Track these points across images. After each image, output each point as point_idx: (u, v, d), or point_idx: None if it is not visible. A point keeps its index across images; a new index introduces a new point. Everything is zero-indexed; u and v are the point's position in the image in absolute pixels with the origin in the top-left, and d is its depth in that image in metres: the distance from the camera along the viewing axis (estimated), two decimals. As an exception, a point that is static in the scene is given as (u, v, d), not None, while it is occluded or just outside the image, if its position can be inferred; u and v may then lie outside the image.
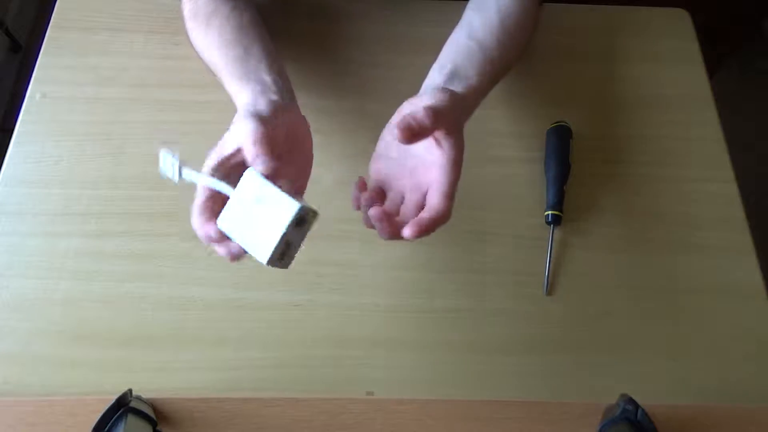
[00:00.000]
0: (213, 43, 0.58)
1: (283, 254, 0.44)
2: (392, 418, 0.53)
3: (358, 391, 0.55)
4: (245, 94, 0.52)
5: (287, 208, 0.43)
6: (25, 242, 0.60)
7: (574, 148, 0.67)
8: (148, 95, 0.69)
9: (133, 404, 0.48)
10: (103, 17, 0.74)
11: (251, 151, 0.45)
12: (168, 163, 0.48)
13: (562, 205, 0.63)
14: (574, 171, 0.65)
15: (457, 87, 0.53)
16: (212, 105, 0.68)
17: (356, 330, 0.58)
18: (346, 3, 0.76)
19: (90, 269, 0.59)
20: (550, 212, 0.63)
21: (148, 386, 0.52)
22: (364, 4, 0.76)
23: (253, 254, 0.44)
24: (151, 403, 0.51)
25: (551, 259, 0.61)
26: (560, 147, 0.66)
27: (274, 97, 0.51)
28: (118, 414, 0.47)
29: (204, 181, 0.46)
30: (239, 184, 0.45)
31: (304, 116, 0.54)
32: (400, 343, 0.58)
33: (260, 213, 0.44)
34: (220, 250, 0.47)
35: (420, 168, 0.50)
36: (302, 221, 0.43)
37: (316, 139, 0.67)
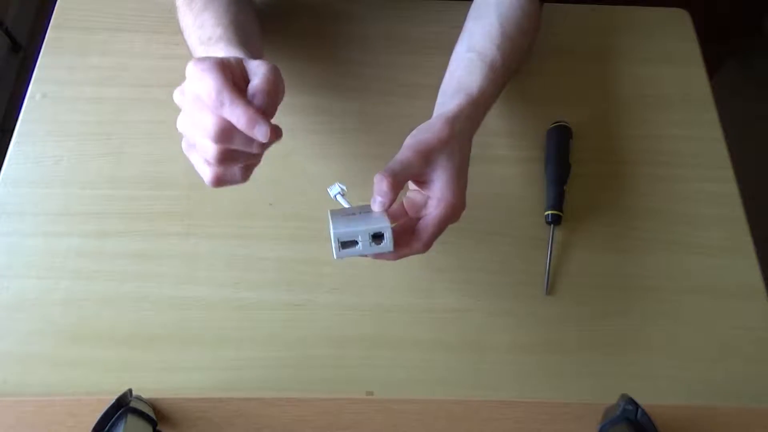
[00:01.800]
0: (206, 25, 0.55)
1: (347, 247, 0.47)
2: (392, 418, 0.53)
3: (358, 391, 0.55)
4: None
5: (379, 222, 0.46)
6: (25, 242, 0.60)
7: (574, 148, 0.67)
8: (148, 95, 0.69)
9: (133, 404, 0.48)
10: (103, 17, 0.74)
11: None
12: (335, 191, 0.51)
13: (562, 205, 0.63)
14: (574, 171, 0.65)
15: (458, 102, 0.53)
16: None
17: (356, 330, 0.58)
18: (346, 3, 0.76)
19: (90, 269, 0.59)
20: (550, 212, 0.63)
21: (148, 386, 0.52)
22: (364, 4, 0.76)
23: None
24: (151, 403, 0.51)
25: (551, 259, 0.61)
26: (560, 147, 0.66)
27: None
28: (118, 414, 0.47)
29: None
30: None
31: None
32: (400, 343, 0.58)
33: (359, 218, 0.48)
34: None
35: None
36: (379, 239, 0.46)
37: (317, 139, 0.67)
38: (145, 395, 0.51)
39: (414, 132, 0.51)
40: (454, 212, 0.49)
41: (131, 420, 0.47)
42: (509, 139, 0.69)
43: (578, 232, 0.64)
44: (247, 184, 0.64)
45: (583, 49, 0.75)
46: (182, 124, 0.45)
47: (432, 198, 0.49)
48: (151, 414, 0.50)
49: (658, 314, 0.60)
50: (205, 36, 0.54)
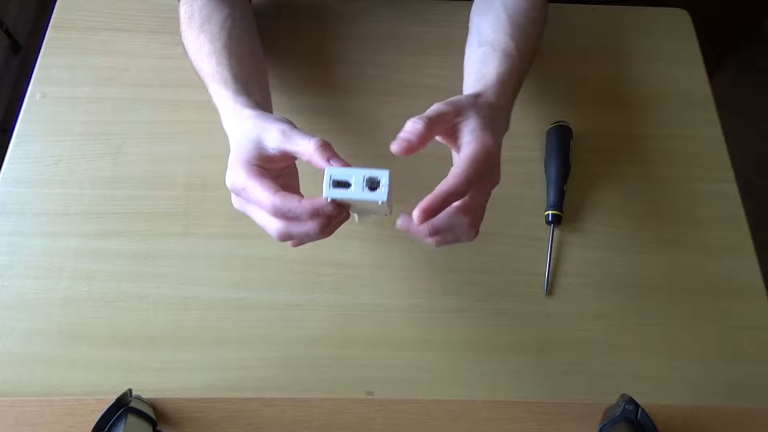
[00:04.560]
0: (204, 49, 0.57)
1: (339, 187, 0.43)
2: (392, 418, 0.53)
3: (358, 391, 0.55)
4: (243, 109, 0.50)
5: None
6: (25, 242, 0.60)
7: (574, 148, 0.67)
8: (148, 95, 0.69)
9: (133, 404, 0.48)
10: (103, 17, 0.74)
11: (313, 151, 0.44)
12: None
13: (562, 205, 0.63)
14: (574, 171, 0.65)
15: (477, 88, 0.52)
16: (212, 105, 0.68)
17: (356, 330, 0.58)
18: (346, 3, 0.76)
19: (90, 269, 0.59)
20: (550, 212, 0.63)
21: (148, 386, 0.52)
22: (364, 4, 0.76)
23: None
24: (151, 403, 0.51)
25: (551, 259, 0.61)
26: (560, 147, 0.66)
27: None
28: (118, 414, 0.47)
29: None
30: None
31: None
32: (400, 343, 0.58)
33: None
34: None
35: None
36: (375, 184, 0.42)
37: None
38: (145, 395, 0.51)
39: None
40: (488, 150, 0.45)
41: (131, 420, 0.47)
42: (509, 139, 0.68)
43: (578, 232, 0.64)
44: (247, 184, 0.64)
45: (583, 49, 0.75)
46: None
47: (463, 142, 0.46)
48: (151, 414, 0.50)
49: (658, 314, 0.60)
50: (204, 70, 0.56)
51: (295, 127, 0.47)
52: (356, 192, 0.42)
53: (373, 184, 0.42)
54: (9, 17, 1.58)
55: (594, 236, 0.63)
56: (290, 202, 0.43)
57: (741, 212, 0.65)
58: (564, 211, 0.63)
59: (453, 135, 0.48)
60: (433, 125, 0.45)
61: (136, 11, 0.74)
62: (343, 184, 0.42)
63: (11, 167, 0.64)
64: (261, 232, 0.61)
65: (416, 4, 0.76)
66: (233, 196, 0.47)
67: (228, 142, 0.66)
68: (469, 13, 0.64)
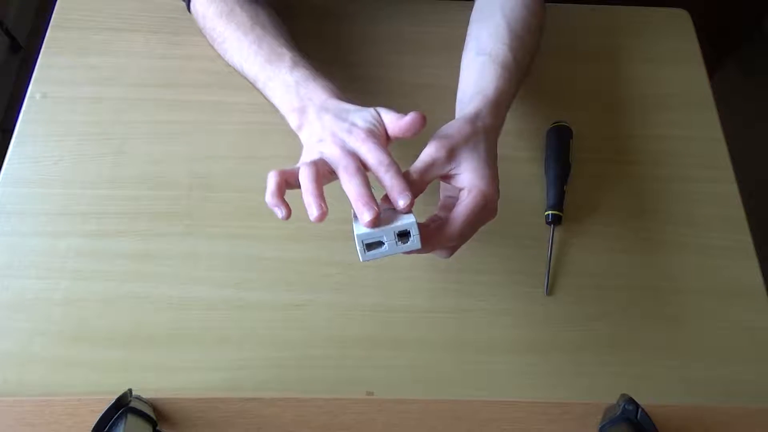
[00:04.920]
0: (236, 34, 0.58)
1: (372, 248, 0.45)
2: (392, 418, 0.53)
3: (358, 391, 0.55)
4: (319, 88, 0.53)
5: (404, 219, 0.45)
6: (25, 242, 0.60)
7: (574, 148, 0.67)
8: (148, 95, 0.69)
9: (133, 404, 0.48)
10: (103, 17, 0.74)
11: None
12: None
13: (562, 205, 0.63)
14: (574, 171, 0.65)
15: (475, 104, 0.52)
16: (212, 105, 0.68)
17: (356, 330, 0.58)
18: (347, 3, 0.76)
19: (90, 269, 0.59)
20: (550, 212, 0.63)
21: (148, 386, 0.52)
22: (364, 4, 0.76)
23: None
24: (151, 403, 0.51)
25: (551, 259, 0.61)
26: (560, 147, 0.66)
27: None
28: (118, 414, 0.47)
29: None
30: None
31: None
32: (400, 343, 0.58)
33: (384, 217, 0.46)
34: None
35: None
36: (405, 237, 0.45)
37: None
38: (145, 395, 0.51)
39: (437, 131, 0.50)
40: (485, 200, 0.48)
41: (131, 420, 0.47)
42: (509, 139, 0.68)
43: (578, 232, 0.64)
44: (248, 184, 0.65)
45: (583, 49, 0.75)
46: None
47: (463, 190, 0.49)
48: (151, 414, 0.50)
49: (658, 314, 0.60)
50: (261, 54, 0.57)
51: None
52: (391, 248, 0.44)
53: (403, 236, 0.44)
54: (9, 17, 1.58)
55: (594, 236, 0.63)
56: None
57: (741, 212, 0.65)
58: (564, 211, 0.63)
59: (450, 179, 0.50)
60: (422, 180, 0.48)
61: (136, 11, 0.74)
62: (376, 245, 0.44)
63: (11, 167, 0.64)
64: (262, 233, 0.62)
65: (416, 5, 0.76)
66: (329, 139, 0.49)
67: (228, 142, 0.66)
68: (470, 16, 0.64)
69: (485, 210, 0.48)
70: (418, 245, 0.44)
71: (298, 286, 0.59)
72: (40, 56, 0.71)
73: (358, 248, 0.44)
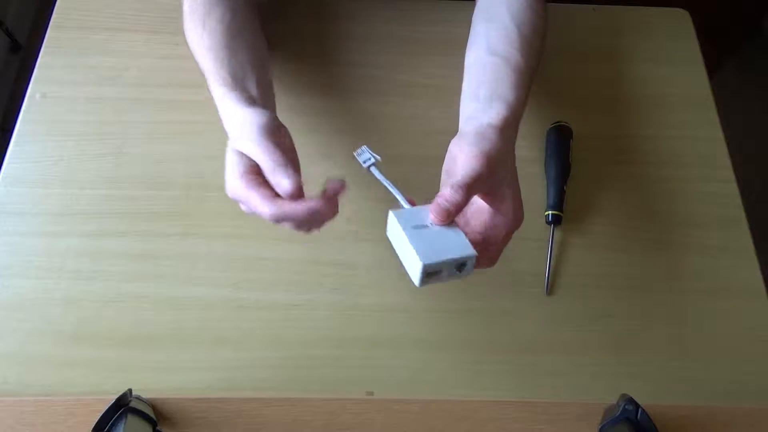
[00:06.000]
0: (203, 44, 0.57)
1: (430, 277, 0.45)
2: (392, 418, 0.53)
3: (358, 391, 0.55)
4: (233, 105, 0.51)
5: (462, 248, 0.45)
6: (25, 242, 0.60)
7: (574, 148, 0.67)
8: (148, 95, 0.69)
9: (133, 404, 0.48)
10: (103, 17, 0.74)
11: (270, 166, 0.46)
12: (364, 157, 0.51)
13: (562, 205, 0.63)
14: (574, 171, 0.65)
15: (498, 110, 0.52)
16: (212, 105, 0.68)
17: (356, 330, 0.58)
18: (347, 3, 0.76)
19: (90, 269, 0.59)
20: (550, 212, 0.63)
21: (148, 386, 0.52)
22: (364, 4, 0.76)
23: (407, 266, 0.45)
24: (151, 403, 0.51)
25: (551, 259, 0.61)
26: (560, 147, 0.66)
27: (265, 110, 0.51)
28: (118, 414, 0.47)
29: (387, 185, 0.49)
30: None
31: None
32: (400, 343, 0.58)
33: (437, 237, 0.45)
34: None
35: (476, 213, 0.51)
36: (463, 266, 0.45)
37: (317, 139, 0.67)
38: (145, 395, 0.51)
39: (461, 141, 0.49)
40: (518, 226, 0.50)
41: (131, 420, 0.47)
42: (509, 139, 0.68)
43: (578, 232, 0.64)
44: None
45: (583, 49, 0.75)
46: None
47: (501, 215, 0.49)
48: (151, 414, 0.50)
49: (659, 314, 0.60)
50: (203, 66, 0.57)
51: (274, 135, 0.48)
52: (445, 276, 0.45)
53: (460, 267, 0.45)
54: (9, 17, 1.58)
55: (594, 236, 0.63)
56: (287, 209, 0.45)
57: (741, 212, 0.65)
58: (564, 211, 0.63)
59: (487, 196, 0.49)
60: (470, 193, 0.46)
61: (136, 11, 0.74)
62: (434, 275, 0.44)
63: (11, 167, 0.64)
64: (261, 233, 0.62)
65: (416, 4, 0.76)
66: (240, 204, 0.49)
67: (228, 142, 0.65)
68: (471, 15, 0.64)
69: (516, 227, 0.50)
70: (471, 272, 0.45)
71: (297, 286, 0.59)
72: (40, 56, 0.71)
73: (416, 275, 0.44)
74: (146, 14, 0.74)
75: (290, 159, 0.47)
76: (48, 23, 0.73)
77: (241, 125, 0.49)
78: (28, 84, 0.69)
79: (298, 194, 0.45)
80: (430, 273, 0.44)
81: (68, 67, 0.70)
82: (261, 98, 0.53)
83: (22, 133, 0.66)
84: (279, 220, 0.46)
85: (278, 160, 0.46)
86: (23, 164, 0.64)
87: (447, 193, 0.45)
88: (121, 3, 0.75)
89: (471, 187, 0.46)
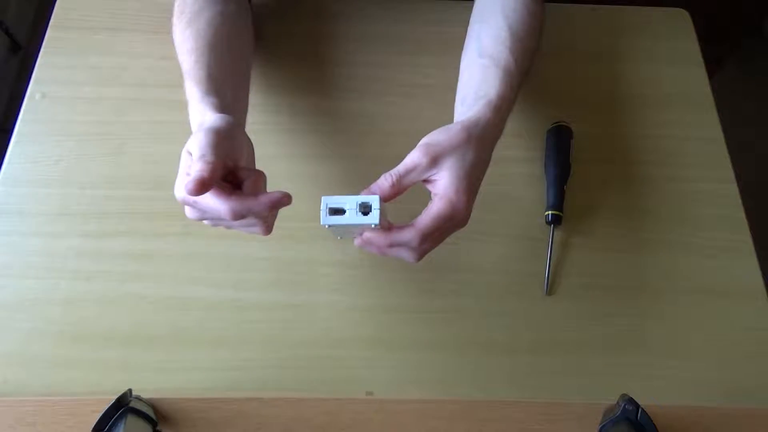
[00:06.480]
0: (186, 45, 0.57)
1: (336, 215, 0.46)
2: (392, 418, 0.53)
3: (358, 391, 0.55)
4: (202, 108, 0.51)
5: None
6: (25, 242, 0.60)
7: (574, 148, 0.67)
8: (148, 95, 0.69)
9: (133, 404, 0.48)
10: (103, 17, 0.74)
11: (198, 152, 0.45)
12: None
13: (562, 205, 0.63)
14: (574, 171, 0.65)
15: (477, 109, 0.52)
16: (212, 105, 0.68)
17: (356, 330, 0.58)
18: (345, 3, 0.76)
19: (90, 269, 0.59)
20: (550, 212, 0.63)
21: (148, 386, 0.52)
22: (362, 4, 0.76)
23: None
24: (151, 403, 0.51)
25: (551, 259, 0.61)
26: (560, 147, 0.66)
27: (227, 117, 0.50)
28: (118, 414, 0.47)
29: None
30: None
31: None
32: (400, 343, 0.58)
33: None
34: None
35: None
36: (368, 210, 0.45)
37: (316, 140, 0.67)
38: (145, 395, 0.51)
39: (431, 134, 0.50)
40: (452, 211, 0.47)
41: (131, 420, 0.47)
42: (509, 139, 0.68)
43: (578, 232, 0.64)
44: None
45: (583, 49, 0.75)
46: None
47: (434, 195, 0.49)
48: (151, 414, 0.50)
49: (658, 314, 0.60)
50: (182, 67, 0.56)
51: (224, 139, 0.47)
52: (351, 217, 0.45)
53: (365, 209, 0.45)
54: (9, 17, 1.58)
55: (594, 236, 0.63)
56: (244, 204, 0.45)
57: (741, 212, 0.65)
58: (564, 211, 0.63)
59: (427, 183, 0.50)
60: (402, 181, 0.48)
61: (136, 11, 0.74)
62: (338, 212, 0.45)
63: (11, 167, 0.64)
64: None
65: (416, 4, 0.76)
66: (186, 208, 0.49)
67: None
68: (470, 16, 0.64)
69: (451, 221, 0.48)
70: (377, 220, 0.45)
71: (297, 287, 0.59)
72: (40, 56, 0.71)
73: (321, 211, 0.45)
74: (146, 14, 0.74)
75: (231, 162, 0.46)
76: (48, 23, 0.73)
77: (199, 126, 0.49)
78: (28, 84, 0.69)
79: (202, 182, 0.44)
80: (333, 209, 0.45)
81: (68, 67, 0.70)
82: (230, 106, 0.52)
83: (22, 133, 0.66)
84: (239, 216, 0.46)
85: (207, 154, 0.44)
86: (23, 164, 0.64)
87: (379, 179, 0.47)
88: (121, 3, 0.75)
89: (403, 176, 0.48)
